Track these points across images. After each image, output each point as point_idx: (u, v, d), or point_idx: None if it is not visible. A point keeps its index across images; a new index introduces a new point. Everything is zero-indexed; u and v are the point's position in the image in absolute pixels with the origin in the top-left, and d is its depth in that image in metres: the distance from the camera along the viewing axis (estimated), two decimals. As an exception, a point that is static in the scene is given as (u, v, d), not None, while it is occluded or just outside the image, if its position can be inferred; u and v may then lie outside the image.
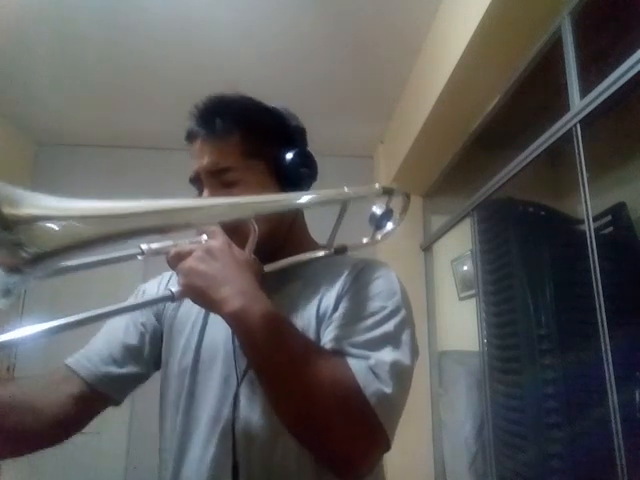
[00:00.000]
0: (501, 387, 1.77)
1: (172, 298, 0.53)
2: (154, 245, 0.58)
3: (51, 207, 0.41)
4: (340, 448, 0.53)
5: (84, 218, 0.43)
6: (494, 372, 1.81)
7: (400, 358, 0.58)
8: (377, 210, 0.75)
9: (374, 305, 0.63)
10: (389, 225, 0.77)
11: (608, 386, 1.11)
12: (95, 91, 2.36)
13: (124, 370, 0.71)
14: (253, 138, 0.70)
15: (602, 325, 1.13)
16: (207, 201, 0.64)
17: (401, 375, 0.57)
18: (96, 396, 0.68)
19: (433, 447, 2.37)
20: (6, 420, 0.61)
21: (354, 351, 0.57)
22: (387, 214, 0.75)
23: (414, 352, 0.62)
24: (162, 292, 0.55)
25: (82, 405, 0.67)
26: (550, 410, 1.51)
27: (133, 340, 0.73)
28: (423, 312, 2.52)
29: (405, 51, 2.05)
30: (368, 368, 0.55)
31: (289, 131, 0.75)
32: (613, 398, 1.10)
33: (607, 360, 1.12)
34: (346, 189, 0.68)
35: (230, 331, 0.67)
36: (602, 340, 1.13)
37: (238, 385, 0.64)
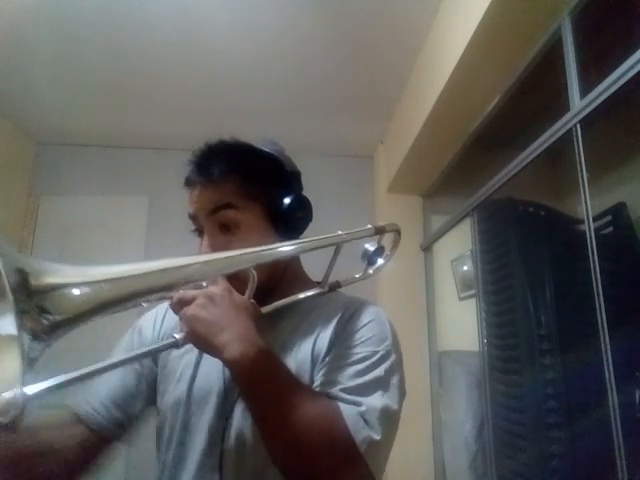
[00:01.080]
0: (501, 387, 1.77)
1: (177, 345, 0.56)
2: None
3: (69, 274, 0.44)
4: None
5: (100, 283, 0.46)
6: (494, 372, 1.81)
7: (389, 403, 0.61)
8: (369, 247, 0.79)
9: (365, 350, 0.66)
10: (380, 261, 0.81)
11: (608, 386, 1.11)
12: (95, 91, 2.36)
13: (126, 413, 0.73)
14: (250, 182, 0.73)
15: (602, 325, 1.13)
16: (207, 257, 0.65)
17: (389, 420, 0.60)
18: (102, 441, 0.71)
19: (433, 447, 2.37)
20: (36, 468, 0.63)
21: (346, 397, 0.60)
22: (379, 251, 0.79)
23: (402, 395, 0.65)
24: (167, 340, 0.57)
25: (92, 450, 0.70)
26: (550, 410, 1.51)
27: (131, 381, 0.75)
28: (423, 312, 2.52)
29: (405, 51, 2.05)
30: (359, 414, 0.58)
31: (285, 176, 0.77)
32: (613, 398, 1.10)
33: (607, 360, 1.12)
34: (340, 232, 0.72)
35: (222, 365, 0.68)
36: (602, 340, 1.13)
37: (227, 419, 0.67)
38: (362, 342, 0.67)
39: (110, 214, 2.82)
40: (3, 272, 0.36)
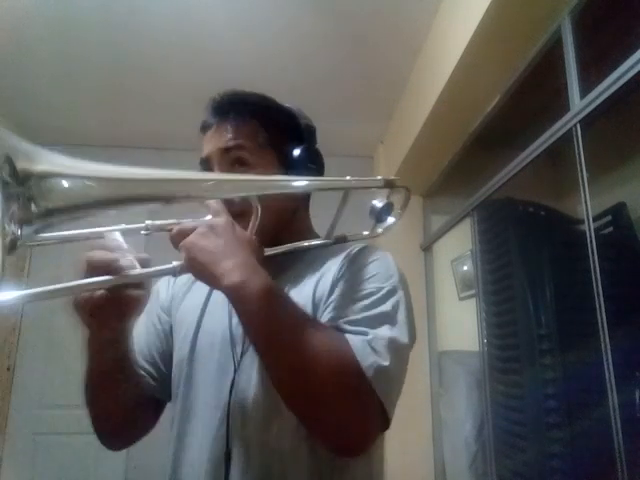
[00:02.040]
0: (501, 387, 1.77)
1: (174, 272, 0.55)
2: (158, 222, 0.59)
3: (64, 165, 0.43)
4: (336, 420, 0.54)
5: (95, 179, 0.45)
6: (494, 372, 1.81)
7: (397, 336, 0.59)
8: (378, 203, 0.75)
9: (371, 286, 0.63)
10: (389, 219, 0.77)
11: (608, 386, 1.11)
12: (95, 91, 2.36)
13: (162, 372, 0.74)
14: (266, 129, 0.73)
15: (602, 325, 1.13)
16: (213, 175, 0.66)
17: (398, 351, 0.58)
18: (149, 401, 0.73)
19: (433, 447, 2.37)
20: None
21: (351, 328, 0.58)
22: (388, 207, 0.75)
23: (411, 333, 0.63)
24: (164, 266, 0.56)
25: (144, 409, 0.72)
26: (550, 410, 1.51)
27: (156, 342, 0.76)
28: (423, 312, 2.52)
29: (405, 51, 2.05)
30: (365, 342, 0.56)
31: (300, 128, 0.78)
32: (613, 398, 1.10)
33: (607, 360, 1.12)
34: (348, 177, 0.69)
35: (227, 319, 0.69)
36: (602, 340, 1.13)
37: (235, 371, 0.66)
38: (366, 279, 0.64)
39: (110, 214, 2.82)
40: None
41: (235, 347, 0.67)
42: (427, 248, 2.63)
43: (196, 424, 0.66)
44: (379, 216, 0.75)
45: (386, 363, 0.55)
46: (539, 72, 1.53)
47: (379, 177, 0.74)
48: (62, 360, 2.29)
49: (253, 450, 0.62)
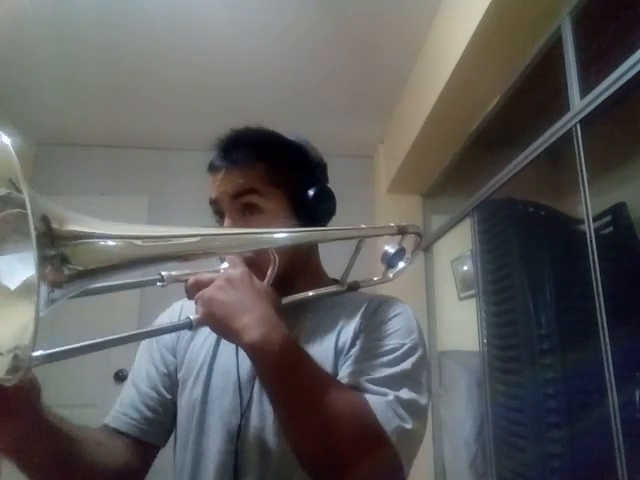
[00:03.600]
0: (501, 387, 1.77)
1: (190, 326, 0.53)
2: (173, 272, 0.57)
3: (94, 227, 0.43)
4: None
5: (124, 239, 0.46)
6: (494, 372, 1.81)
7: (417, 397, 0.58)
8: (390, 249, 0.75)
9: (392, 342, 0.62)
10: (400, 264, 0.78)
11: (608, 386, 1.11)
12: (95, 91, 2.36)
13: (160, 416, 0.71)
14: (276, 169, 0.71)
15: (602, 325, 1.13)
16: (232, 231, 0.65)
17: (419, 413, 0.57)
18: (142, 447, 0.69)
19: (433, 447, 2.37)
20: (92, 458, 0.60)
21: (373, 388, 0.57)
22: (399, 253, 0.76)
23: (429, 392, 0.62)
24: (180, 320, 0.55)
25: (134, 459, 0.67)
26: (550, 410, 1.51)
27: (158, 386, 0.73)
28: (423, 312, 2.52)
29: (405, 51, 2.05)
30: (387, 404, 0.55)
31: (311, 166, 0.76)
32: (613, 398, 1.10)
33: (607, 360, 1.12)
34: (363, 226, 0.70)
35: (235, 361, 0.67)
36: (602, 340, 1.13)
37: (241, 416, 0.64)
38: (389, 335, 0.63)
39: (110, 214, 2.80)
40: (30, 215, 0.34)
41: (242, 391, 0.66)
42: (427, 248, 2.63)
43: (208, 471, 0.65)
44: (391, 262, 0.76)
45: (409, 427, 0.54)
46: (539, 72, 1.53)
47: (392, 224, 0.74)
48: (62, 360, 2.28)
49: None
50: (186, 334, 0.76)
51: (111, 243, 0.44)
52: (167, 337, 0.76)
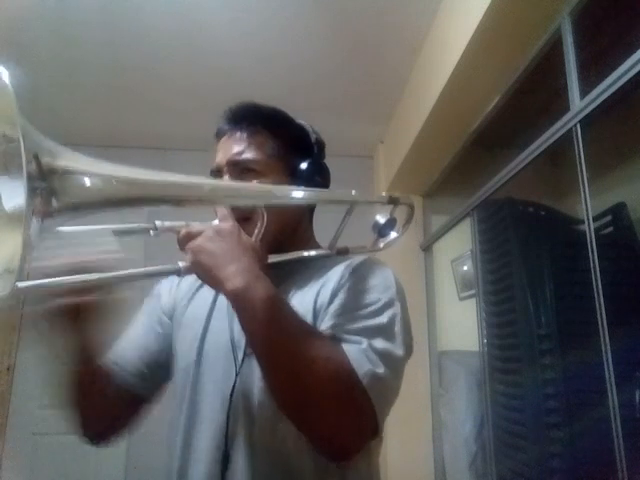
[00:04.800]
0: (501, 387, 1.77)
1: (179, 272, 0.57)
2: (167, 223, 0.61)
3: (85, 163, 0.46)
4: (331, 424, 0.55)
5: (114, 178, 0.48)
6: (494, 372, 1.81)
7: (391, 347, 0.61)
8: (381, 219, 0.77)
9: (369, 297, 0.65)
10: (392, 234, 0.80)
11: (608, 386, 1.11)
12: (95, 91, 2.36)
13: (150, 370, 0.75)
14: (277, 141, 0.75)
15: (602, 325, 1.13)
16: (225, 182, 0.69)
17: (393, 363, 0.60)
18: (130, 397, 0.73)
19: (433, 447, 2.37)
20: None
21: (348, 337, 0.60)
22: (390, 223, 0.78)
23: (407, 345, 0.64)
24: (169, 265, 0.58)
25: (124, 406, 0.74)
26: (550, 410, 1.51)
27: (154, 344, 0.77)
28: (423, 312, 2.52)
29: (405, 51, 2.05)
30: (361, 351, 0.58)
31: (310, 142, 0.81)
32: (613, 398, 1.10)
33: (607, 360, 1.12)
34: (354, 192, 0.72)
35: (229, 324, 0.70)
36: (602, 340, 1.13)
37: (237, 375, 0.67)
38: (366, 289, 0.66)
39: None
40: (23, 149, 0.37)
41: (236, 352, 0.68)
42: (427, 248, 2.63)
43: (203, 428, 0.67)
44: (382, 231, 0.78)
45: (380, 371, 0.57)
46: (539, 72, 1.53)
47: (383, 193, 0.77)
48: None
49: (255, 453, 0.63)
50: (183, 299, 0.80)
51: (103, 181, 0.47)
52: (165, 300, 0.81)
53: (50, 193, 0.41)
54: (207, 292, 0.71)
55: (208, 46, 2.02)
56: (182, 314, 0.78)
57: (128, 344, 0.76)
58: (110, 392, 0.70)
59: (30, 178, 0.38)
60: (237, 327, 0.69)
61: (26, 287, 0.44)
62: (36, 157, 0.39)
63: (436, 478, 2.31)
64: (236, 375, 0.67)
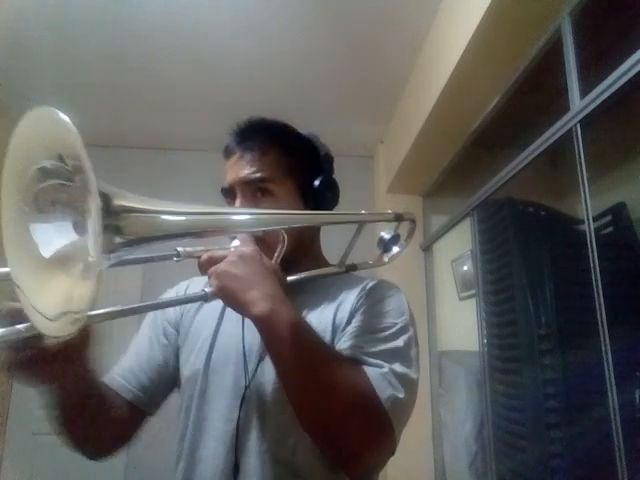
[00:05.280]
0: (501, 387, 1.77)
1: (205, 298, 0.58)
2: (188, 249, 0.62)
3: (141, 202, 0.48)
4: (354, 445, 0.57)
5: (166, 214, 0.51)
6: (494, 372, 1.81)
7: (408, 372, 0.63)
8: (385, 235, 0.81)
9: (386, 321, 0.68)
10: (395, 249, 0.84)
11: (608, 386, 1.11)
12: (95, 91, 2.36)
13: (155, 384, 0.75)
14: (288, 157, 0.76)
15: (602, 325, 1.13)
16: (246, 211, 0.70)
17: (410, 386, 0.62)
18: (133, 411, 0.73)
19: (433, 447, 2.37)
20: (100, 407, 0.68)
21: (369, 360, 0.62)
22: (395, 239, 0.82)
23: (419, 369, 0.67)
24: (196, 293, 0.59)
25: (125, 421, 0.73)
26: (550, 410, 1.51)
27: (159, 356, 0.77)
28: (423, 312, 2.52)
29: (405, 51, 2.05)
30: (383, 375, 0.60)
31: (319, 157, 0.82)
32: (613, 398, 1.10)
33: (607, 360, 1.12)
34: (363, 212, 0.76)
35: (240, 335, 0.71)
36: (602, 340, 1.13)
37: (246, 387, 0.67)
38: (382, 314, 0.68)
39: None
40: (96, 190, 0.39)
41: (247, 363, 0.69)
42: (427, 248, 2.63)
43: (209, 437, 0.68)
44: (386, 246, 0.82)
45: (401, 396, 0.59)
46: (539, 72, 1.53)
47: (389, 211, 0.81)
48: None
49: (265, 463, 0.63)
50: (190, 310, 0.80)
51: (154, 217, 0.50)
52: (171, 311, 0.81)
53: (116, 231, 0.43)
54: (215, 301, 0.72)
55: (208, 46, 2.02)
56: (190, 323, 0.79)
57: (132, 358, 0.76)
58: (113, 410, 0.70)
59: (101, 217, 0.40)
60: (249, 336, 0.70)
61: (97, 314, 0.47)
62: (106, 198, 0.42)
63: (436, 478, 2.31)
64: (246, 385, 0.68)
